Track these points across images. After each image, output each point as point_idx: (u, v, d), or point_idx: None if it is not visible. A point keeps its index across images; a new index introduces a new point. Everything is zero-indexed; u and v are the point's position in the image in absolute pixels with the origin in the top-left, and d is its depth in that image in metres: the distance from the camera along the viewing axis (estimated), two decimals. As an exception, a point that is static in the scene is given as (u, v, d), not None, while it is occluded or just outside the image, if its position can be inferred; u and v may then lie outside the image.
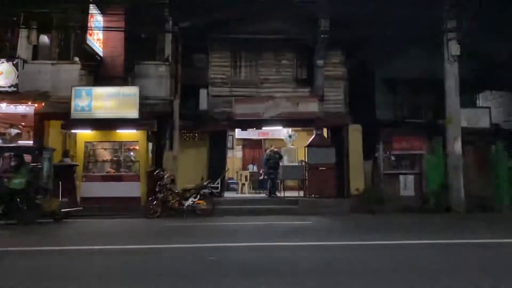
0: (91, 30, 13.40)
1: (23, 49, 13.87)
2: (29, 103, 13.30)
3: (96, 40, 13.82)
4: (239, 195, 16.12)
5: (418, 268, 5.12)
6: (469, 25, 12.60)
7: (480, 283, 4.31)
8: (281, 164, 14.84)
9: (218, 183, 13.52)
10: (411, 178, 14.18)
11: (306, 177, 14.38)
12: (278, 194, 14.90)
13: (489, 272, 4.84)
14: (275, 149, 14.95)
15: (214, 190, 12.95)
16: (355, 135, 14.22)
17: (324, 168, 13.95)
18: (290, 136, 17.65)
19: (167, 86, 14.24)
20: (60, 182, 11.54)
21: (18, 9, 13.46)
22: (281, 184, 15.75)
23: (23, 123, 15.30)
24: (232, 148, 18.08)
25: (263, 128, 16.23)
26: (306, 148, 14.37)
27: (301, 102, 14.47)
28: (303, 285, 4.26)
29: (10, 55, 13.69)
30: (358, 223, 10.64)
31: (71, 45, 14.59)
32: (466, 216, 11.86)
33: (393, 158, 14.50)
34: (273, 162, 14.37)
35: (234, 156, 18.66)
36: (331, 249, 6.71)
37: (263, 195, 15.14)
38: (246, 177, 17.19)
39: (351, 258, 5.93)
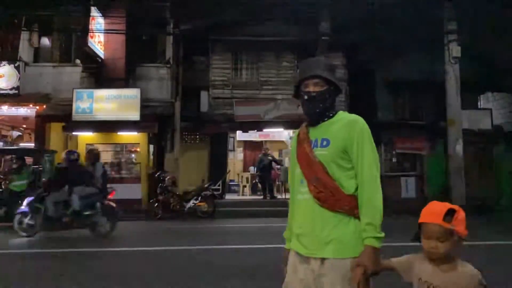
0: (92, 32, 13.43)
1: (25, 52, 13.91)
2: (31, 105, 13.34)
3: (97, 42, 13.85)
4: (240, 197, 16.09)
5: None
6: (470, 26, 12.60)
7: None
8: (275, 166, 14.84)
9: (219, 185, 13.51)
10: (412, 180, 14.17)
11: (307, 179, 14.31)
12: (277, 196, 14.88)
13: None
14: (267, 152, 14.84)
15: (215, 192, 12.94)
16: (356, 137, 14.18)
17: (325, 170, 13.90)
18: (291, 138, 17.64)
19: (168, 88, 14.26)
20: (61, 184, 11.53)
21: (19, 12, 13.51)
22: (282, 186, 15.72)
23: (24, 126, 15.34)
24: (233, 150, 18.07)
25: (264, 130, 16.22)
26: (307, 150, 14.32)
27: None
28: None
29: (11, 58, 13.74)
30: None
31: (73, 47, 14.65)
32: (468, 218, 11.82)
33: (394, 160, 14.49)
34: (263, 165, 14.32)
35: (235, 158, 18.66)
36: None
37: (262, 197, 15.10)
38: (247, 179, 17.18)
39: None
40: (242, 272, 5.08)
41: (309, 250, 1.87)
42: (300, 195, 1.94)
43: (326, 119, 1.97)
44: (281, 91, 15.13)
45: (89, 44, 13.35)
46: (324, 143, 1.91)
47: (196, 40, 14.53)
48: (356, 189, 1.85)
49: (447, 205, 1.66)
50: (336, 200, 1.83)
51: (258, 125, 14.90)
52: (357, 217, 1.84)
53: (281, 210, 12.92)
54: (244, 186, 16.95)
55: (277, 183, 15.92)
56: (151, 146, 14.53)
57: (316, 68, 1.97)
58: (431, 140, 14.36)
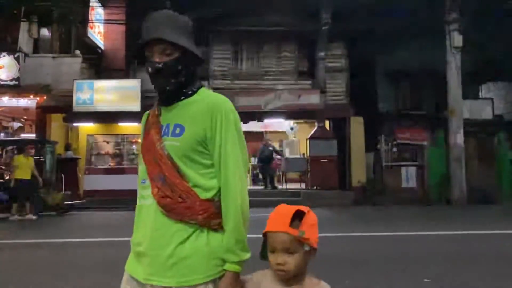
0: (92, 23, 13.37)
1: (24, 43, 13.86)
2: (31, 96, 13.33)
3: (97, 33, 13.80)
4: (241, 187, 16.14)
5: (414, 258, 5.15)
6: (472, 16, 12.53)
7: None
8: (276, 157, 14.92)
9: (220, 176, 13.52)
10: (413, 170, 14.19)
11: (308, 169, 14.41)
12: (278, 186, 14.95)
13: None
14: (268, 143, 14.91)
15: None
16: (357, 127, 14.21)
17: (326, 160, 13.96)
18: (292, 129, 17.65)
19: (169, 79, 14.23)
20: (62, 175, 11.60)
21: (18, 3, 13.43)
22: (283, 176, 15.77)
23: (25, 117, 15.35)
24: (234, 141, 18.07)
25: (265, 120, 16.22)
26: (308, 141, 14.37)
27: (302, 95, 14.44)
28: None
29: (11, 49, 13.70)
30: (359, 215, 10.67)
31: (72, 38, 14.59)
32: (468, 208, 11.88)
33: (395, 150, 14.51)
34: (264, 155, 14.39)
35: (236, 149, 18.66)
36: (333, 241, 6.74)
37: (263, 187, 15.19)
38: (248, 170, 17.21)
39: (352, 249, 5.97)
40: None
41: (147, 275, 1.38)
42: (141, 200, 1.45)
43: (182, 97, 1.47)
44: (281, 81, 15.09)
45: (89, 35, 13.31)
46: (177, 130, 1.43)
47: (196, 30, 14.41)
48: (216, 193, 1.41)
49: (294, 208, 1.35)
50: (187, 208, 1.37)
51: (258, 115, 14.89)
52: (213, 228, 1.40)
53: (281, 201, 12.98)
54: (245, 177, 17.00)
55: (278, 173, 15.95)
56: (152, 137, 14.53)
57: (161, 28, 1.44)
58: (432, 130, 14.36)
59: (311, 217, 1.36)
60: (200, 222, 1.39)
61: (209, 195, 1.41)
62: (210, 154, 1.43)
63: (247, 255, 1.40)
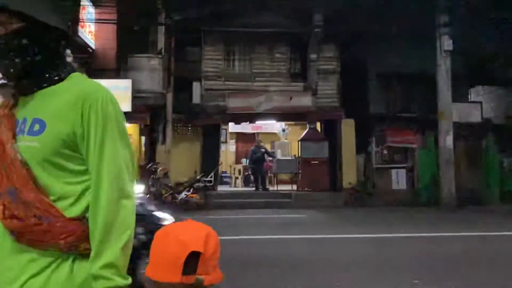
0: (83, 22, 13.25)
1: (14, 41, 13.70)
2: (20, 96, 13.17)
3: (88, 32, 13.68)
4: (233, 188, 16.13)
5: (403, 260, 5.18)
6: (462, 20, 12.67)
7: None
8: (268, 158, 14.96)
9: (211, 177, 13.52)
10: (403, 172, 14.30)
11: (299, 171, 14.44)
12: (269, 187, 14.96)
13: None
14: (260, 144, 14.95)
15: (207, 184, 12.96)
16: (348, 129, 14.28)
17: (317, 162, 14.01)
18: (283, 130, 17.68)
19: (160, 79, 14.16)
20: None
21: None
22: (274, 177, 15.77)
23: (14, 116, 15.16)
24: (226, 142, 18.06)
25: (257, 122, 16.24)
26: (299, 142, 14.41)
27: (294, 96, 14.47)
28: (291, 277, 4.30)
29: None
30: (350, 217, 10.71)
31: (63, 37, 14.46)
32: (457, 210, 11.99)
33: (385, 152, 14.60)
34: (256, 157, 14.42)
35: (228, 150, 18.66)
36: (323, 243, 6.76)
37: (254, 189, 15.20)
38: (239, 171, 17.20)
39: (342, 251, 5.99)
40: (232, 263, 5.11)
41: None
42: None
43: (45, 84, 1.14)
44: (274, 83, 15.10)
45: (80, 34, 13.17)
46: (36, 127, 1.09)
47: (188, 31, 14.41)
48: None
49: (187, 247, 1.02)
50: (45, 232, 1.05)
51: (250, 117, 14.91)
52: (85, 254, 1.09)
53: (272, 202, 13.06)
54: (236, 178, 17.00)
55: (269, 175, 15.98)
56: (143, 138, 14.47)
57: None
58: (422, 133, 14.48)
59: (210, 248, 1.05)
60: (63, 249, 1.07)
61: (77, 211, 1.09)
62: (83, 158, 1.11)
63: (126, 281, 1.08)
